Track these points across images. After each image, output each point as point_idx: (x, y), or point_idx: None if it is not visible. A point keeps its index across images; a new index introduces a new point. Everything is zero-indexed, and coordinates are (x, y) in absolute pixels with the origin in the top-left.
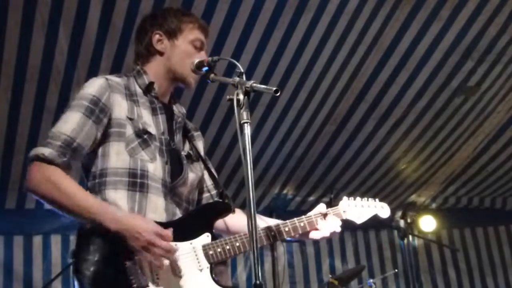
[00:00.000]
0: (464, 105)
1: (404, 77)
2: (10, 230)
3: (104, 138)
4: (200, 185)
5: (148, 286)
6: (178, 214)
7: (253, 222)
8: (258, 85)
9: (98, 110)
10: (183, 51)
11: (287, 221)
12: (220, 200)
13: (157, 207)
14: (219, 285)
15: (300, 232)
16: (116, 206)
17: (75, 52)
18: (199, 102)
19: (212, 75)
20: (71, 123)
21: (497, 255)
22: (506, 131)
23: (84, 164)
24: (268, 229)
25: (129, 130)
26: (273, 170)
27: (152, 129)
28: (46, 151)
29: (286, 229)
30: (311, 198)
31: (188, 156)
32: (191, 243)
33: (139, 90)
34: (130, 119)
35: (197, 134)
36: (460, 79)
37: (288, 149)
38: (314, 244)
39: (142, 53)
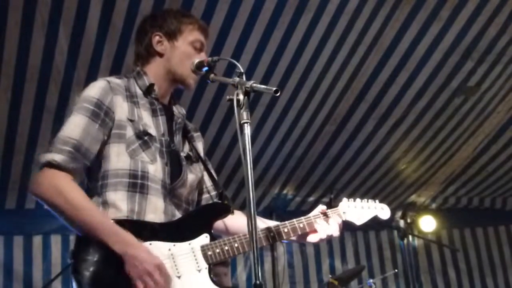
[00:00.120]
0: (464, 105)
1: (404, 77)
2: (10, 230)
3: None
4: (199, 186)
5: None
6: (178, 215)
7: (253, 222)
8: (258, 85)
9: (103, 114)
10: (183, 52)
11: (286, 222)
12: (220, 201)
13: (157, 208)
14: (218, 285)
15: (300, 233)
16: (116, 207)
17: (75, 52)
18: (199, 102)
19: (212, 75)
20: (78, 127)
21: (497, 255)
22: (506, 131)
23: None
24: (268, 230)
25: (129, 132)
26: (273, 170)
27: (153, 131)
28: (57, 157)
29: (285, 230)
30: (311, 198)
31: (188, 157)
32: (189, 244)
33: (139, 92)
34: (131, 120)
35: (196, 134)
36: (460, 79)
37: (288, 149)
38: (314, 244)
39: (142, 54)
